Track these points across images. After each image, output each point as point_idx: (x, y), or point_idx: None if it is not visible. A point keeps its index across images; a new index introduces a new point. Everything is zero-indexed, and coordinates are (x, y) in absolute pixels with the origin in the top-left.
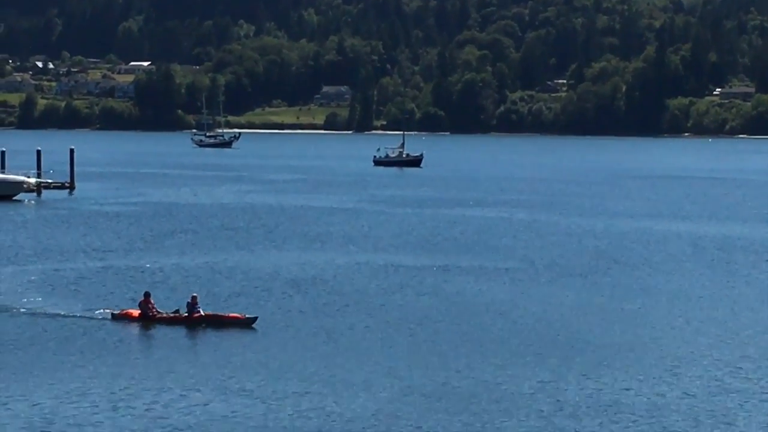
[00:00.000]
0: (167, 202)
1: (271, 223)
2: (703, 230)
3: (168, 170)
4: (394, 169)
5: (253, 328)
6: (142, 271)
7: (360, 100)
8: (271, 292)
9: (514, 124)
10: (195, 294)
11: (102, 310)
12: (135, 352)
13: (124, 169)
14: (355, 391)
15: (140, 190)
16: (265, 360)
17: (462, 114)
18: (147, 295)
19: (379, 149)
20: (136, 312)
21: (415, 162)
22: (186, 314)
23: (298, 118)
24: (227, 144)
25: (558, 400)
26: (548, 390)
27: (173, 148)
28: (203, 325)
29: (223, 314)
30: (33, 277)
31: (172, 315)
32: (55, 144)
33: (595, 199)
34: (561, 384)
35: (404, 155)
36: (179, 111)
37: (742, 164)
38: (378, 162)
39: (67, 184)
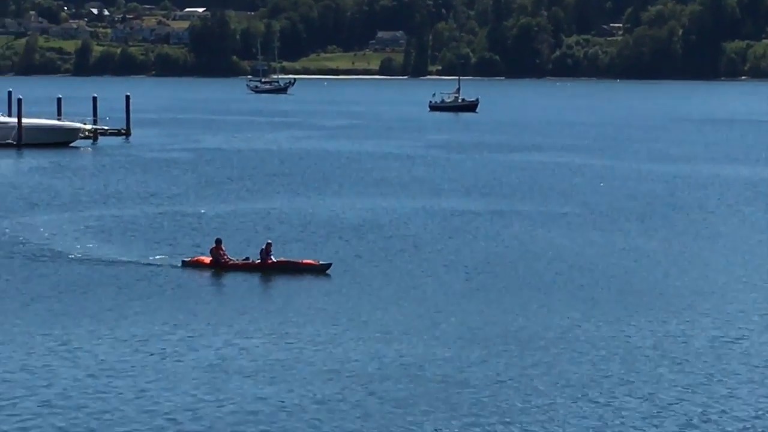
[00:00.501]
0: (223, 148)
1: (327, 169)
2: (761, 173)
3: (223, 116)
4: (449, 115)
5: (327, 275)
6: (200, 218)
7: (415, 45)
8: (329, 238)
9: (569, 69)
10: (270, 241)
11: (162, 257)
12: (207, 299)
13: (179, 116)
14: (420, 337)
15: (196, 136)
16: (337, 306)
17: (517, 59)
18: (218, 242)
19: (434, 94)
20: (207, 259)
21: (471, 107)
22: (259, 261)
23: (353, 63)
24: (282, 90)
25: (615, 346)
26: (605, 335)
27: (229, 94)
28: (277, 271)
29: (297, 260)
30: (91, 224)
31: (244, 262)
32: (111, 91)
33: (651, 143)
34: (618, 329)
35: (460, 100)
36: (234, 57)
37: None
38: (434, 107)
39: (123, 131)
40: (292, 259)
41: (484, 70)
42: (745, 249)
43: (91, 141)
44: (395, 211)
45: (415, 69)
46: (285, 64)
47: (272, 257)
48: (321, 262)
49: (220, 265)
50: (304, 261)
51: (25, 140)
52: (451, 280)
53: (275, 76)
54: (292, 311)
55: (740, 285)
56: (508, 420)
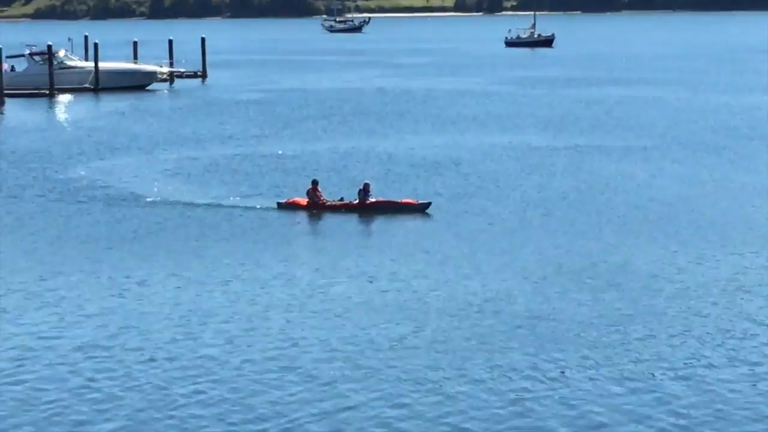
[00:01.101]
0: (300, 89)
1: (405, 108)
2: None
3: (299, 57)
4: (525, 50)
5: (427, 214)
6: (280, 159)
7: None
8: (409, 176)
9: (646, 2)
10: (367, 181)
11: (253, 198)
12: (305, 239)
13: (255, 57)
14: (506, 273)
15: (272, 77)
16: (432, 245)
17: None
18: (315, 183)
19: (510, 30)
20: (303, 200)
21: (547, 42)
22: (357, 201)
23: (427, 1)
24: (357, 29)
25: (697, 280)
26: (687, 268)
27: (304, 34)
28: (376, 211)
29: (396, 200)
30: (171, 166)
31: (342, 203)
32: (186, 33)
33: (729, 75)
34: (700, 263)
35: (536, 36)
36: None
37: None
38: (509, 43)
39: (199, 73)
40: (391, 199)
41: (560, 5)
42: None
43: (167, 84)
44: (474, 149)
45: (490, 5)
46: (359, 2)
47: (371, 197)
48: (420, 201)
49: (317, 206)
50: (403, 200)
51: (102, 84)
52: (531, 217)
53: (350, 16)
54: (390, 250)
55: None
56: (589, 355)
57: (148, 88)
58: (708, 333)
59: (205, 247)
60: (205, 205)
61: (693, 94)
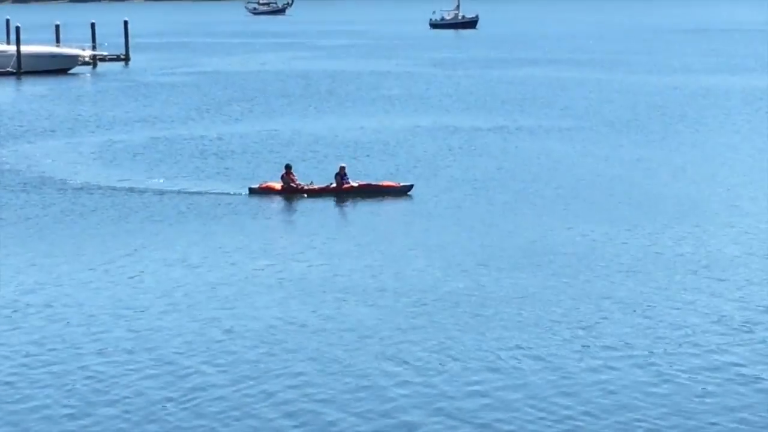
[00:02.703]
0: (223, 71)
1: (328, 89)
2: (758, 83)
3: (222, 39)
4: (450, 32)
5: (409, 196)
6: (210, 140)
7: None
8: (332, 159)
9: None
10: (343, 164)
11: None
12: (281, 222)
13: (178, 40)
14: (435, 255)
15: (196, 59)
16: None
17: None
18: (288, 167)
19: (434, 12)
20: (277, 185)
21: (471, 24)
22: (334, 185)
23: None
24: (281, 11)
25: (619, 255)
26: (610, 244)
27: (227, 16)
28: (355, 195)
29: (376, 183)
30: (93, 150)
31: (321, 187)
32: (109, 16)
33: (650, 55)
34: (624, 238)
35: (460, 17)
36: None
37: None
38: (434, 25)
39: (122, 56)
40: (370, 182)
41: None
42: (743, 158)
43: (90, 67)
44: (399, 130)
45: None
46: None
47: (349, 180)
48: (402, 184)
49: (292, 191)
50: (384, 183)
51: (24, 68)
52: (456, 197)
53: None
54: (366, 234)
55: (737, 194)
56: (527, 335)
57: (70, 71)
58: (635, 307)
59: (157, 232)
60: (137, 189)
61: (615, 75)
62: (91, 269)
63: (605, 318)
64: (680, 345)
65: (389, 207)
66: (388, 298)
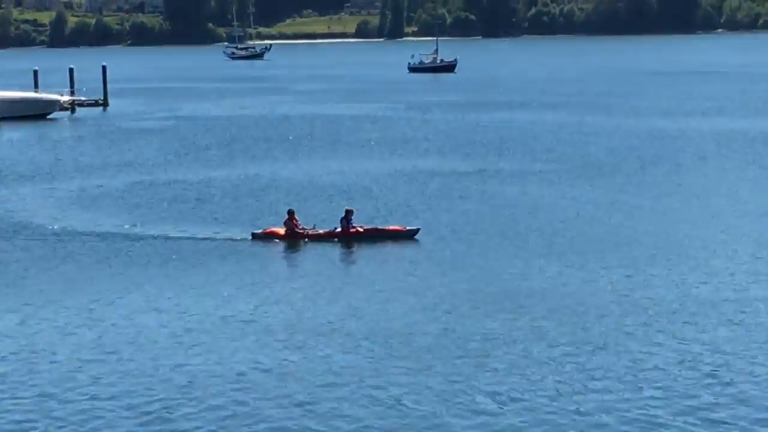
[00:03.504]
0: (202, 116)
1: (308, 133)
2: (736, 126)
3: (201, 84)
4: (428, 75)
5: (415, 240)
6: (190, 185)
7: (390, 6)
8: (315, 203)
9: (546, 27)
10: (350, 208)
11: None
12: (285, 268)
13: (157, 85)
14: (413, 300)
15: (174, 104)
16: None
17: (493, 18)
18: (291, 213)
19: (413, 56)
20: (281, 230)
21: (450, 67)
22: (340, 230)
23: (329, 27)
24: (259, 56)
25: (593, 298)
26: (583, 287)
27: (205, 61)
28: (361, 239)
29: (382, 227)
30: (71, 195)
31: (326, 232)
32: (87, 61)
33: (626, 97)
34: (596, 280)
35: (438, 61)
36: (210, 24)
37: None
38: (412, 68)
39: (100, 101)
40: (376, 226)
41: (461, 30)
42: (720, 201)
43: (68, 112)
44: (378, 174)
45: (392, 31)
46: (261, 29)
47: (354, 225)
48: (408, 228)
49: (296, 236)
50: (390, 227)
51: (2, 114)
52: (432, 241)
53: (251, 42)
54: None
55: (714, 236)
56: (496, 376)
57: (49, 116)
58: (608, 350)
59: (133, 276)
60: (117, 234)
61: (591, 117)
62: (68, 315)
63: (591, 363)
64: (653, 388)
65: (392, 252)
66: (376, 345)
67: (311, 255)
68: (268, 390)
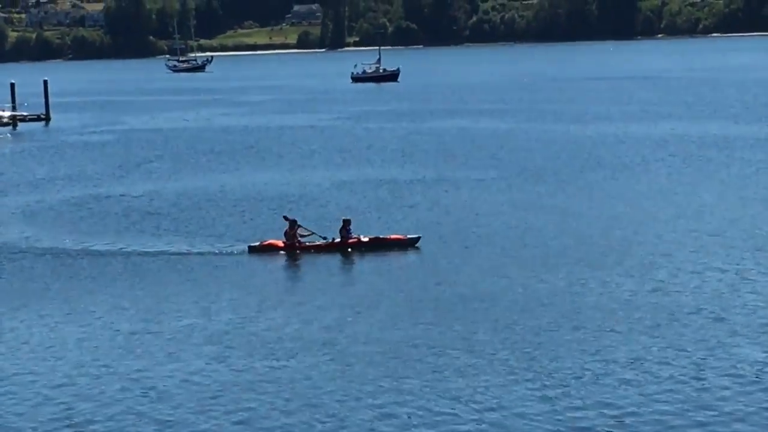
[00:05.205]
0: (145, 129)
1: (250, 145)
2: (674, 130)
3: (144, 97)
4: (372, 85)
5: (417, 248)
6: (134, 198)
7: (331, 17)
8: (260, 214)
9: (487, 35)
10: (347, 218)
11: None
12: (283, 280)
13: (99, 98)
14: (368, 307)
15: (117, 118)
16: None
17: (434, 26)
18: (293, 223)
19: (356, 66)
20: (279, 242)
21: (393, 77)
22: (339, 240)
23: (270, 38)
24: (200, 68)
25: (538, 302)
26: (530, 292)
27: (147, 74)
28: (362, 249)
29: (382, 236)
30: (18, 210)
31: (325, 242)
32: (29, 76)
33: (568, 103)
34: (543, 285)
35: (381, 70)
36: (151, 37)
37: (715, 63)
38: (356, 78)
39: (42, 116)
40: (376, 236)
41: (402, 39)
42: (659, 203)
43: (10, 128)
44: (323, 184)
45: (333, 41)
46: (202, 41)
47: (354, 234)
48: (409, 236)
49: (295, 248)
50: (391, 236)
51: None
52: (433, 249)
53: (192, 55)
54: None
55: (658, 238)
56: (455, 380)
57: None
58: (557, 355)
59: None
60: (68, 250)
61: (534, 124)
62: (12, 331)
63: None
64: (592, 393)
65: (392, 262)
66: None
67: (309, 266)
68: (258, 401)
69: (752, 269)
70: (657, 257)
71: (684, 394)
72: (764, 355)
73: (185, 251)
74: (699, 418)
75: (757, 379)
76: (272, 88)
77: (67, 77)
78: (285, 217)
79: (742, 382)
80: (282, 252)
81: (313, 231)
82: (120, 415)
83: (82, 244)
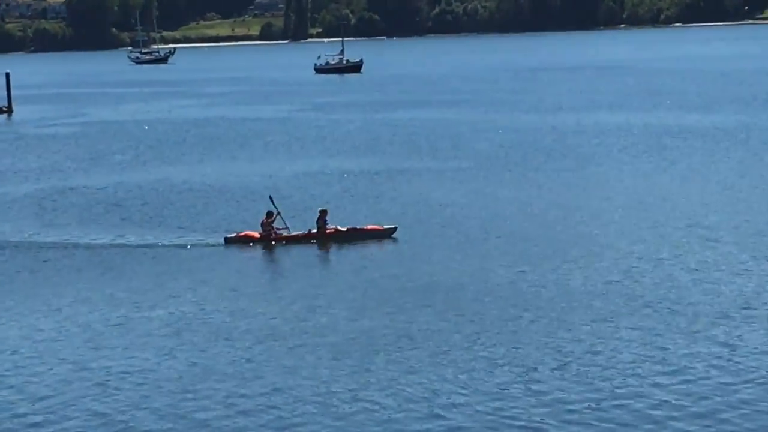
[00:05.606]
0: (109, 121)
1: (214, 136)
2: (637, 119)
3: (106, 89)
4: (335, 76)
5: (393, 239)
6: (98, 189)
7: (294, 8)
8: (222, 206)
9: (450, 25)
10: (324, 208)
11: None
12: (259, 271)
13: (62, 90)
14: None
15: (80, 110)
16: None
17: (397, 17)
18: (269, 214)
19: (319, 57)
20: (256, 234)
21: (356, 68)
22: (316, 231)
23: (233, 30)
24: (163, 60)
25: (503, 291)
26: (493, 282)
27: (110, 66)
28: (339, 240)
29: (359, 227)
30: None
31: (303, 233)
32: None
33: (531, 94)
34: (506, 275)
35: (344, 62)
36: (113, 29)
37: (677, 53)
38: (319, 69)
39: (4, 109)
40: (353, 226)
41: (365, 30)
42: (624, 194)
43: None
44: (286, 175)
45: (296, 33)
46: (164, 33)
47: (332, 225)
48: (386, 226)
49: (272, 239)
50: (368, 227)
51: None
52: (407, 239)
53: (155, 47)
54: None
55: (618, 228)
56: (413, 370)
57: None
58: (518, 347)
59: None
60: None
61: (496, 114)
62: None
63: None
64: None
65: (366, 253)
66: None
67: (286, 257)
68: (226, 391)
69: (711, 258)
70: (618, 246)
71: (647, 381)
72: (725, 340)
73: (155, 243)
74: (652, 407)
75: (719, 363)
76: (235, 79)
77: (30, 70)
78: (270, 198)
79: (696, 369)
80: (259, 243)
81: (287, 224)
82: (78, 408)
83: (46, 236)
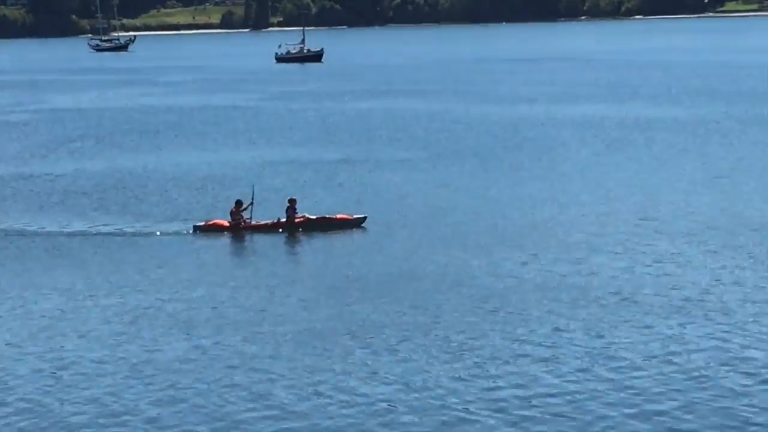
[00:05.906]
0: (68, 108)
1: (174, 124)
2: (601, 111)
3: (66, 76)
4: (296, 66)
5: (363, 228)
6: (57, 177)
7: None
8: (180, 195)
9: (411, 15)
10: (293, 197)
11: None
12: (231, 260)
13: (21, 78)
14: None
15: (39, 97)
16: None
17: (359, 7)
18: (238, 203)
19: (280, 46)
20: (225, 222)
21: (317, 57)
22: (285, 220)
23: (193, 18)
24: (123, 47)
25: (466, 282)
26: (457, 273)
27: (70, 53)
28: (308, 229)
29: (328, 216)
30: None
31: (272, 222)
32: None
33: (491, 85)
34: (470, 265)
35: (305, 51)
36: (73, 16)
37: (637, 45)
38: (279, 59)
39: None
40: (323, 215)
41: (326, 19)
42: (581, 185)
43: None
44: (246, 164)
45: (257, 22)
46: (125, 21)
47: (301, 214)
48: (355, 216)
49: (241, 228)
50: (337, 216)
51: None
52: (379, 229)
53: (115, 34)
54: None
55: (575, 219)
56: (374, 357)
57: None
58: (480, 335)
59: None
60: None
61: (456, 105)
62: None
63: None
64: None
65: (334, 242)
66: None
67: (254, 246)
68: (185, 381)
69: (671, 250)
70: (578, 238)
71: (598, 373)
72: (677, 333)
73: (118, 231)
74: (611, 397)
75: (669, 357)
76: (195, 68)
77: None
78: (253, 187)
79: (656, 360)
80: (228, 232)
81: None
82: (34, 398)
83: (4, 223)
